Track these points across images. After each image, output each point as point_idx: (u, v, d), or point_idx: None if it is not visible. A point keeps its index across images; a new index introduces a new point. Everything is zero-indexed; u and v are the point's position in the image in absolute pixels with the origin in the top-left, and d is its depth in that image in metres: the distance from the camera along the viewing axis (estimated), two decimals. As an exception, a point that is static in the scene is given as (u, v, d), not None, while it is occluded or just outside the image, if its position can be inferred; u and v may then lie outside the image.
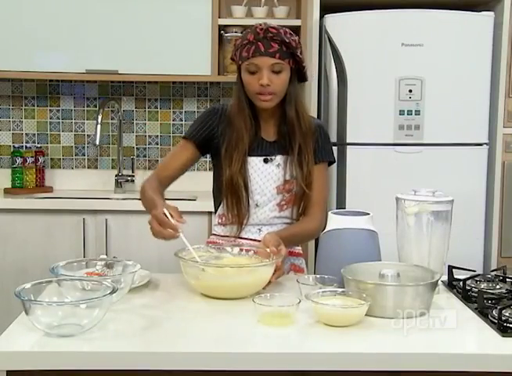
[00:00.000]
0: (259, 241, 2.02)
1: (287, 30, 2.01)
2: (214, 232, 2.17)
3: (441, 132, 3.15)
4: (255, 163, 2.07)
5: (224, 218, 2.11)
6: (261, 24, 2.00)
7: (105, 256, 2.09)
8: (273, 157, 2.07)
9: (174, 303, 1.73)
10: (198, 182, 3.58)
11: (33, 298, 1.50)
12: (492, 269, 3.02)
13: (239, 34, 3.41)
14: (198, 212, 3.14)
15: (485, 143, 3.20)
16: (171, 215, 1.78)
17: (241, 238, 2.08)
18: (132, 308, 1.65)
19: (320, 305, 1.52)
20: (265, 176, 2.07)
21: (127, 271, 1.75)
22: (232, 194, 2.05)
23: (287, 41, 1.97)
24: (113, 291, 1.49)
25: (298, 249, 2.17)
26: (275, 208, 2.08)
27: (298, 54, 2.01)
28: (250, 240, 2.07)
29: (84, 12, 3.31)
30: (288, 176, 2.06)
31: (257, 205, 2.08)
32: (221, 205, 2.11)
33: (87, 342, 1.42)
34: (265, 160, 2.07)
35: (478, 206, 3.19)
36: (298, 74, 2.05)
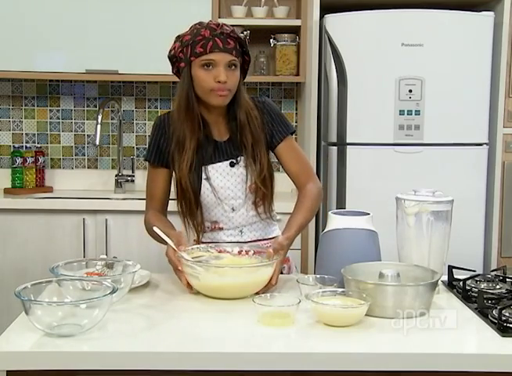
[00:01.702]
0: (242, 242, 2.02)
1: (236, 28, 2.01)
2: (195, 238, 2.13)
3: (441, 132, 3.15)
4: (222, 169, 2.02)
5: (188, 226, 2.07)
6: (211, 21, 1.98)
7: (105, 256, 2.09)
8: (238, 159, 2.03)
9: (174, 303, 1.73)
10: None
11: (33, 298, 1.50)
12: (492, 269, 3.02)
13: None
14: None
15: (485, 143, 3.20)
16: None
17: (223, 242, 2.04)
18: (132, 308, 1.65)
19: (320, 305, 1.52)
20: (235, 180, 2.02)
21: (127, 271, 1.75)
22: (184, 199, 2.01)
23: (242, 38, 1.98)
24: (113, 291, 1.49)
25: None
26: (251, 207, 2.05)
27: (248, 53, 2.02)
28: (233, 242, 2.04)
29: (84, 12, 3.31)
30: (255, 176, 2.02)
31: (233, 209, 2.04)
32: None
33: (87, 342, 1.42)
34: (232, 164, 2.02)
35: (478, 206, 3.19)
36: (243, 72, 2.04)
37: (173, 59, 2.01)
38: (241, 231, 2.07)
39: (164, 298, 1.76)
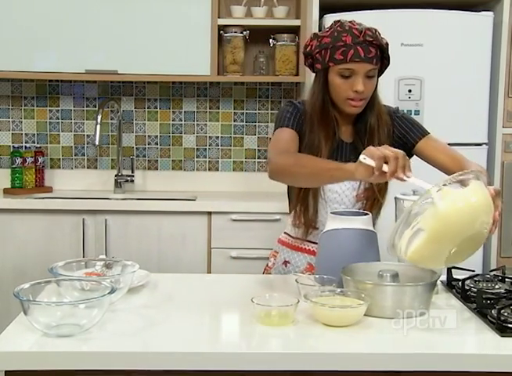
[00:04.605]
0: None
1: (376, 29, 1.91)
2: (286, 230, 2.11)
3: (440, 132, 3.11)
4: None
5: (298, 222, 2.03)
6: (353, 23, 1.88)
7: (104, 256, 2.09)
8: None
9: (173, 303, 1.72)
10: (198, 182, 3.59)
11: (32, 298, 1.50)
12: (491, 269, 3.02)
13: (239, 34, 3.41)
14: (198, 212, 3.14)
15: (485, 143, 3.20)
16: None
17: (316, 243, 1.98)
18: (131, 308, 1.65)
19: (319, 305, 1.52)
20: (345, 185, 1.95)
21: (126, 271, 1.75)
22: (301, 201, 1.98)
23: (384, 45, 1.90)
24: (112, 291, 1.49)
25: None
26: None
27: (389, 58, 1.94)
28: None
29: (84, 12, 3.31)
30: (368, 184, 1.94)
31: None
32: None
33: (86, 342, 1.42)
34: None
35: (478, 206, 3.18)
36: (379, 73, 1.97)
37: (308, 56, 1.95)
38: None
39: (163, 298, 1.76)
